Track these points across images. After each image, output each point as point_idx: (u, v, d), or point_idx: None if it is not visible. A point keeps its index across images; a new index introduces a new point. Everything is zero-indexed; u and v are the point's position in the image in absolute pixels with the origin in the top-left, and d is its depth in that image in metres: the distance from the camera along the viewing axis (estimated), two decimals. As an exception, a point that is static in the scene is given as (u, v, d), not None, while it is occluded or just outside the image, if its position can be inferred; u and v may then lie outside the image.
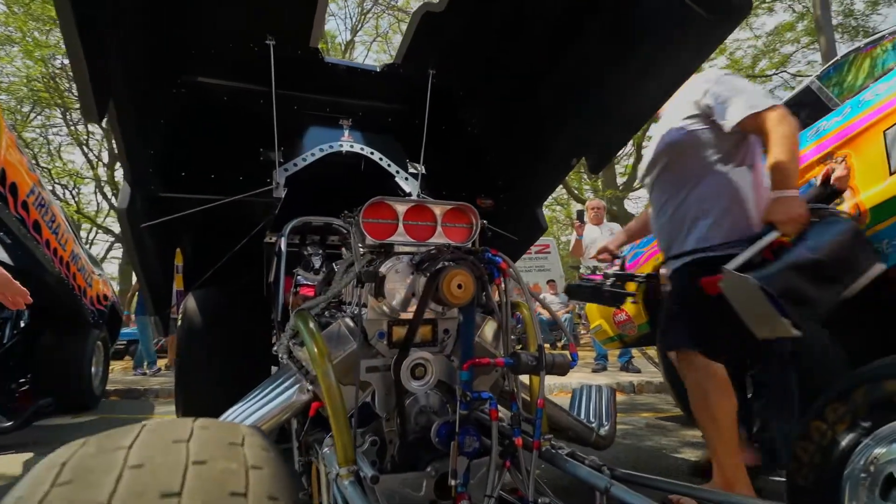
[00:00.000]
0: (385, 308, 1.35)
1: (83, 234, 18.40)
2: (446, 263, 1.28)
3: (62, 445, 0.66)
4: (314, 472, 1.47)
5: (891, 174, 2.16)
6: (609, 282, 2.39)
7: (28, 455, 3.29)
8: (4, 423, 3.51)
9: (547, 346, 1.46)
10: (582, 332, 9.52)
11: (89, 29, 1.46)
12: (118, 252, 19.76)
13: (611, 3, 2.01)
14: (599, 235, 5.43)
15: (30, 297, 1.86)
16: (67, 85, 14.34)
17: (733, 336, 1.77)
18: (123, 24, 1.78)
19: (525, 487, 1.27)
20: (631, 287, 2.43)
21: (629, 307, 3.41)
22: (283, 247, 2.11)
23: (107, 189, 17.27)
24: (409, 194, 2.69)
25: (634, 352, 6.08)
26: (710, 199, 1.91)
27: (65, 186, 17.69)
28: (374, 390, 1.38)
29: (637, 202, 18.51)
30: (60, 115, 16.12)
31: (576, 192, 17.42)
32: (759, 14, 14.43)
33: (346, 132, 2.74)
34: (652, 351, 4.58)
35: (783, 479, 2.06)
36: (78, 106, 14.53)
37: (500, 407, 1.33)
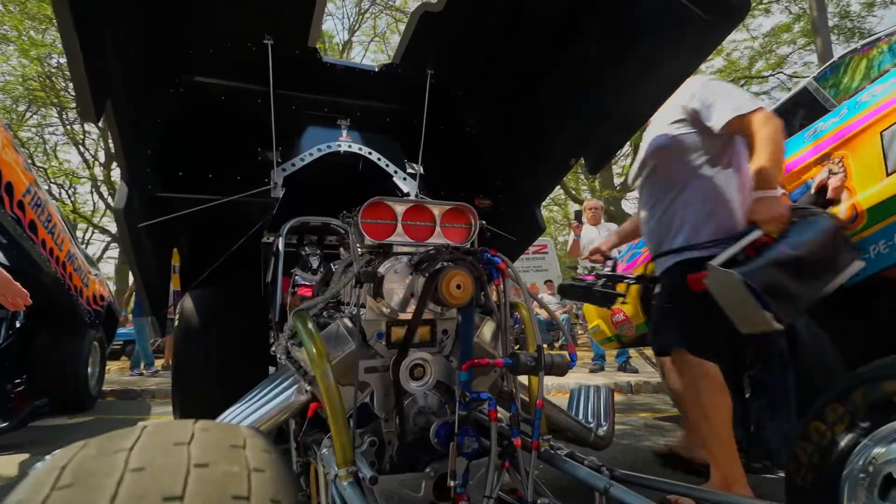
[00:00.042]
0: (384, 308, 1.35)
1: (79, 233, 18.32)
2: (445, 264, 1.28)
3: (60, 447, 0.66)
4: (312, 472, 1.47)
5: (888, 175, 2.17)
6: (600, 282, 2.41)
7: (24, 456, 3.27)
8: (0, 424, 3.49)
9: (545, 346, 1.47)
10: (579, 332, 9.53)
11: (87, 28, 1.45)
12: (114, 252, 19.71)
13: (609, 3, 2.01)
14: (597, 236, 5.43)
15: (30, 299, 1.85)
16: (63, 84, 14.30)
17: (722, 334, 1.81)
18: (121, 24, 1.77)
19: (524, 488, 1.27)
20: (621, 288, 2.45)
21: (627, 307, 3.42)
22: (280, 247, 2.10)
23: (103, 189, 17.21)
24: (408, 194, 2.69)
25: (632, 352, 6.09)
26: (698, 201, 1.95)
27: (61, 186, 17.63)
28: (373, 391, 1.37)
29: (634, 203, 18.54)
30: (56, 115, 16.06)
31: (573, 192, 17.44)
32: (755, 15, 14.48)
33: (345, 132, 2.73)
34: (649, 351, 4.58)
35: (773, 476, 2.08)
36: (74, 105, 14.48)
37: (498, 407, 1.33)
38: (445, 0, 2.01)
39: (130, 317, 8.67)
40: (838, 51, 9.82)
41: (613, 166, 15.52)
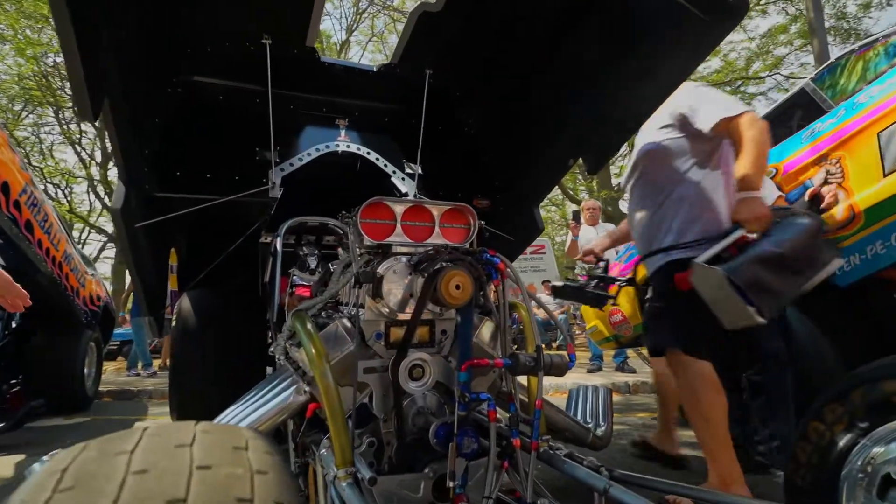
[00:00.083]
0: (383, 309, 1.35)
1: (76, 233, 18.26)
2: (444, 264, 1.28)
3: (56, 447, 0.65)
4: (311, 473, 1.47)
5: (885, 176, 2.18)
6: (592, 283, 2.44)
7: (20, 457, 3.26)
8: (-4, 425, 3.48)
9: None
10: (577, 332, 9.54)
11: (85, 27, 1.44)
12: (111, 252, 19.67)
13: (608, 3, 2.01)
14: (595, 236, 5.44)
15: (29, 300, 1.85)
16: (60, 83, 14.25)
17: (713, 332, 1.85)
18: (119, 23, 1.76)
19: (523, 488, 1.27)
20: (612, 290, 2.49)
21: (625, 307, 3.42)
22: (278, 247, 2.09)
23: (99, 188, 17.16)
24: (406, 194, 2.69)
25: (630, 352, 6.10)
26: (686, 202, 2.00)
27: (57, 185, 17.54)
28: (372, 391, 1.37)
29: (631, 203, 18.54)
30: (53, 114, 16.01)
31: (571, 192, 17.47)
32: (752, 16, 14.52)
33: (343, 132, 2.73)
34: (647, 351, 4.59)
35: (771, 476, 2.09)
36: (70, 104, 14.44)
37: (497, 408, 1.33)
38: (444, 0, 2.01)
39: (128, 317, 8.63)
40: (835, 52, 9.86)
41: (611, 166, 15.53)
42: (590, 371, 6.29)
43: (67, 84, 13.63)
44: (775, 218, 1.70)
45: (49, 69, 13.89)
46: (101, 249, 20.49)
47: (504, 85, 2.60)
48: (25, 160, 5.07)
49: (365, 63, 3.02)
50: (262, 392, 1.41)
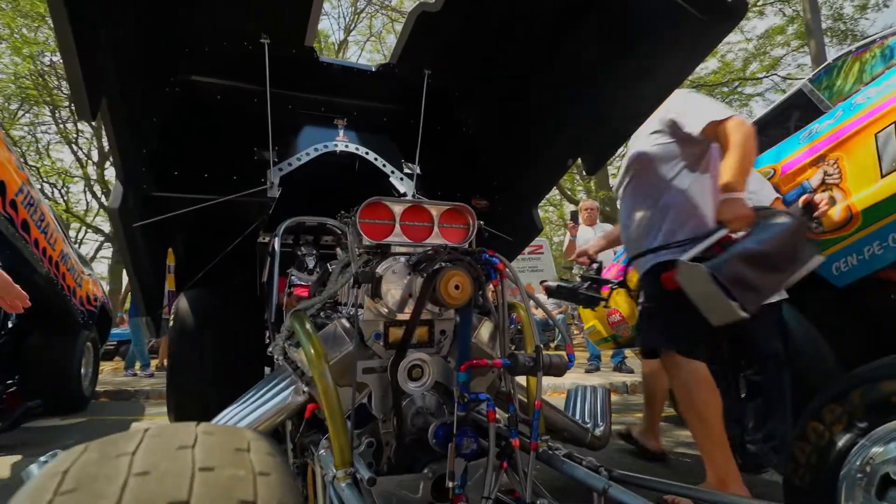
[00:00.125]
0: (382, 309, 1.34)
1: (72, 233, 18.20)
2: (443, 264, 1.28)
3: (53, 448, 0.65)
4: (309, 474, 1.46)
5: (882, 177, 2.18)
6: (585, 285, 2.47)
7: (17, 457, 3.24)
8: (-8, 425, 3.47)
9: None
10: (575, 332, 9.55)
11: (83, 27, 1.44)
12: (108, 252, 19.61)
13: (607, 3, 2.01)
14: (593, 236, 5.44)
15: (28, 301, 1.84)
16: (56, 82, 14.19)
17: (704, 331, 1.89)
18: (117, 22, 1.76)
19: (522, 489, 1.27)
20: (605, 292, 2.52)
21: (623, 308, 3.43)
22: (276, 247, 2.09)
23: (96, 188, 17.10)
24: (405, 194, 2.68)
25: (627, 352, 6.10)
26: (676, 205, 2.05)
27: (53, 185, 17.47)
28: (371, 391, 1.37)
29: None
30: (49, 113, 15.94)
31: (569, 192, 17.48)
32: (750, 17, 14.54)
33: (341, 132, 2.72)
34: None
35: (769, 476, 2.09)
36: (67, 104, 14.39)
37: (496, 408, 1.33)
38: (443, 0, 2.01)
39: (126, 317, 8.60)
40: (832, 53, 9.90)
41: (609, 167, 15.55)
42: (588, 371, 6.30)
43: (64, 83, 13.61)
44: (758, 218, 1.75)
45: (45, 68, 13.84)
46: (98, 249, 20.43)
47: (503, 85, 2.60)
48: (22, 159, 5.05)
49: (363, 63, 3.01)
50: (261, 392, 1.41)
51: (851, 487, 1.10)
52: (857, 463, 1.09)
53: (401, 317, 1.35)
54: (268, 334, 2.27)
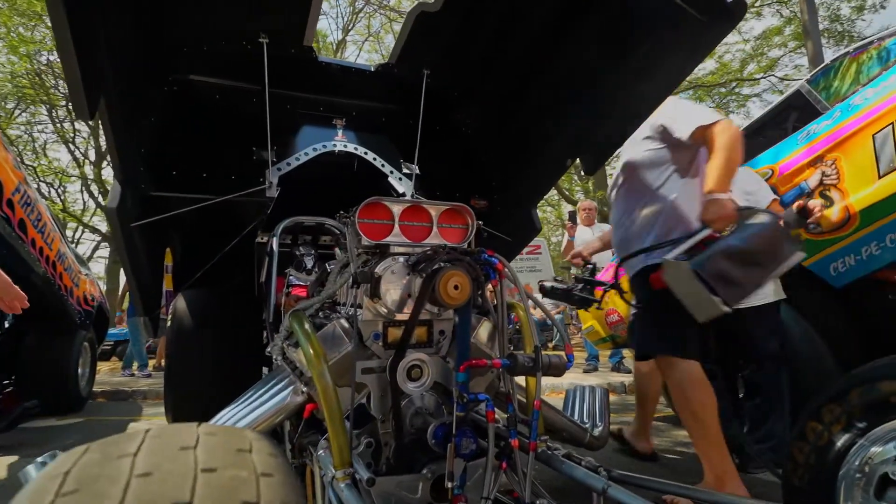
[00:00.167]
0: (381, 309, 1.34)
1: (69, 233, 18.13)
2: (442, 264, 1.27)
3: (50, 448, 0.64)
4: (308, 474, 1.46)
5: (879, 177, 2.19)
6: (579, 286, 2.50)
7: (14, 458, 3.23)
8: (-11, 426, 3.46)
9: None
10: (573, 332, 9.56)
11: (81, 26, 1.43)
12: (105, 251, 19.53)
13: (606, 4, 2.01)
14: (591, 236, 5.44)
15: (27, 302, 1.83)
16: (53, 81, 14.14)
17: (695, 331, 1.95)
18: (115, 22, 1.75)
19: (521, 489, 1.27)
20: (598, 293, 2.54)
21: (621, 308, 3.43)
22: (274, 247, 2.08)
23: (93, 187, 17.03)
24: (403, 194, 2.68)
25: (626, 352, 6.11)
26: (666, 208, 2.08)
27: (50, 185, 17.43)
28: (370, 392, 1.36)
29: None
30: (46, 112, 15.88)
31: (567, 192, 17.49)
32: (747, 18, 14.58)
33: (340, 132, 2.72)
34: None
35: (767, 476, 2.09)
36: (64, 103, 14.34)
37: (495, 408, 1.33)
38: (442, 0, 2.00)
39: (124, 317, 8.58)
40: (829, 54, 9.93)
41: (607, 167, 15.57)
42: (586, 371, 6.30)
43: (61, 82, 13.56)
44: (740, 217, 1.79)
45: (42, 67, 13.80)
46: (95, 249, 20.36)
47: (502, 85, 2.60)
48: (18, 159, 5.03)
49: (362, 63, 3.01)
50: (259, 393, 1.40)
51: (850, 487, 1.10)
52: (856, 463, 1.09)
53: (400, 317, 1.34)
54: (266, 334, 2.27)
